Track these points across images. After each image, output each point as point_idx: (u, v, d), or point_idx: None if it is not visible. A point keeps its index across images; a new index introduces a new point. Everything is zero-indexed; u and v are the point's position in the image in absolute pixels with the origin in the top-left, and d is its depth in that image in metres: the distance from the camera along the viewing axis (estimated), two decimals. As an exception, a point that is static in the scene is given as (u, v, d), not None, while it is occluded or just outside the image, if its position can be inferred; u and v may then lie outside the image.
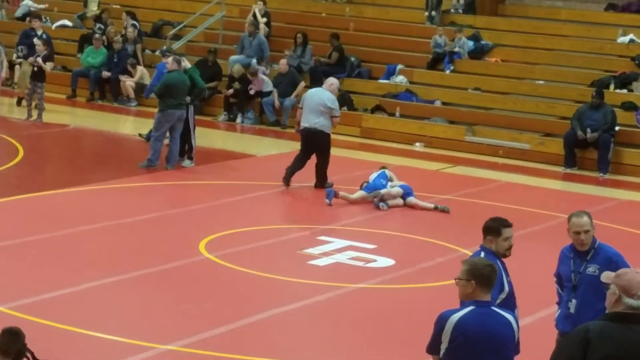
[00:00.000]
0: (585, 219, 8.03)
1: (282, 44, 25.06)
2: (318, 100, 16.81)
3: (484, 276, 6.37)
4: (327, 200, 15.76)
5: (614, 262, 7.80)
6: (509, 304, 7.46)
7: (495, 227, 7.69)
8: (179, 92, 17.53)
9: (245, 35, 24.61)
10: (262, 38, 24.47)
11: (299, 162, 16.88)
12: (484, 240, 7.69)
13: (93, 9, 27.71)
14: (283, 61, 23.34)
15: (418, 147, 21.58)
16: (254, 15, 25.17)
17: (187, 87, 17.76)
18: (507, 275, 7.61)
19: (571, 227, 8.04)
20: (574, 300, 8.02)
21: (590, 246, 8.01)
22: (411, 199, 16.11)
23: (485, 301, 6.38)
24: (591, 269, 7.91)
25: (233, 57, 24.50)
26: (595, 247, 8.01)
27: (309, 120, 16.79)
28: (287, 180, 16.76)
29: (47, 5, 28.56)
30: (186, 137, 18.11)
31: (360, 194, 16.07)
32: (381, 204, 15.74)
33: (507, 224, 7.73)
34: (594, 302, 7.74)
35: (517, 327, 6.44)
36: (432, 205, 16.06)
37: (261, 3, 25.56)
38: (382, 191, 15.86)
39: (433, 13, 24.92)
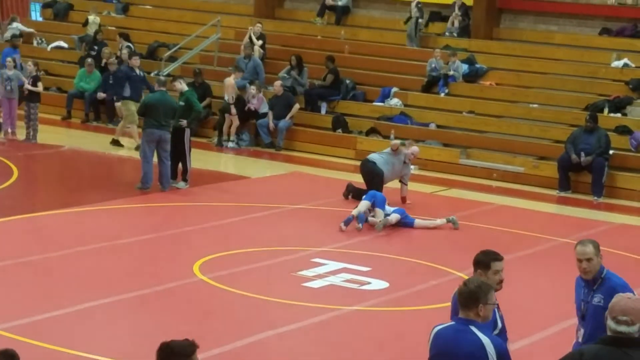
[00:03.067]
0: (589, 247, 7.86)
1: (278, 66, 25.13)
2: None
3: (462, 294, 6.52)
4: (359, 225, 15.81)
5: (617, 293, 7.70)
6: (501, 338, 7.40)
7: (484, 261, 7.44)
8: (159, 111, 17.57)
9: (241, 57, 24.67)
10: (257, 60, 24.54)
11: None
12: (474, 274, 7.53)
13: (92, 31, 27.72)
14: (278, 83, 23.39)
15: (413, 169, 21.58)
16: (250, 37, 25.25)
17: (170, 107, 17.77)
18: (499, 310, 7.39)
19: (575, 255, 7.88)
20: (582, 330, 7.92)
21: (596, 275, 7.82)
22: (419, 222, 16.18)
23: (466, 319, 6.47)
24: (596, 299, 7.77)
25: (228, 80, 24.51)
26: (602, 276, 7.83)
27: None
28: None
29: (34, 30, 28.53)
30: (181, 159, 18.15)
31: (365, 204, 16.09)
32: (381, 225, 15.77)
33: (498, 258, 7.47)
34: (599, 333, 7.69)
35: (496, 352, 6.37)
36: (444, 220, 16.18)
37: (259, 25, 25.64)
38: (391, 219, 15.89)
39: (413, 34, 25.09)
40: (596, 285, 7.84)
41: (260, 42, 25.33)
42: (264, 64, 24.76)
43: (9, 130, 22.27)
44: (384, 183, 17.56)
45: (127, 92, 21.93)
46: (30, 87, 21.88)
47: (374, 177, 17.52)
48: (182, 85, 18.50)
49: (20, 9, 32.01)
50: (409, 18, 25.28)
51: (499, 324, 7.37)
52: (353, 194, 17.65)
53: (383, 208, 16.06)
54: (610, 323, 5.87)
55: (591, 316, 7.78)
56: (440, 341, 6.53)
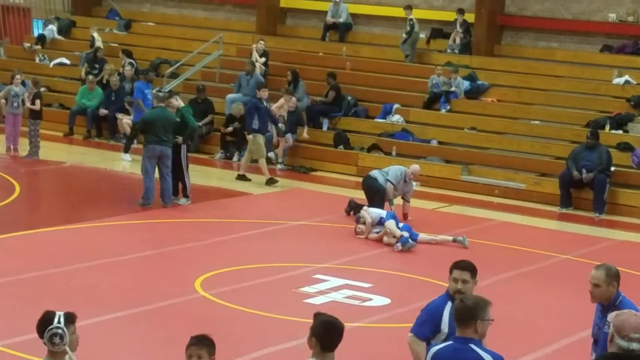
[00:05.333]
0: (599, 272, 7.74)
1: (280, 82, 25.21)
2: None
3: (459, 311, 6.50)
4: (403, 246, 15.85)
5: None
6: None
7: (450, 267, 7.55)
8: (158, 127, 17.59)
9: (243, 74, 24.72)
10: (259, 77, 24.59)
11: None
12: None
13: (99, 46, 27.81)
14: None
15: (414, 186, 21.58)
16: (252, 54, 25.32)
17: (170, 123, 17.79)
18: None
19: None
20: (593, 354, 7.83)
21: (610, 302, 7.69)
22: (423, 237, 16.18)
23: (465, 337, 6.44)
24: (607, 327, 7.64)
25: (230, 96, 24.60)
26: (617, 303, 7.68)
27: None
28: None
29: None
30: (179, 175, 18.16)
31: (392, 223, 16.16)
32: (398, 245, 15.75)
33: (459, 267, 7.47)
34: None
35: None
36: (450, 238, 16.20)
37: (262, 43, 25.69)
38: (405, 234, 15.92)
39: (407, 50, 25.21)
40: (609, 311, 7.69)
41: (263, 59, 25.39)
42: (266, 81, 24.81)
43: (12, 147, 22.30)
44: (385, 200, 17.58)
45: (255, 124, 20.62)
46: (30, 106, 21.94)
47: (375, 193, 17.55)
48: (178, 102, 18.54)
49: (23, 25, 32.13)
50: (408, 35, 25.31)
51: (445, 330, 7.34)
52: (355, 210, 17.67)
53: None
54: (620, 342, 5.79)
55: (602, 343, 7.59)
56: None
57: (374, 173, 17.97)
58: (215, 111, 24.38)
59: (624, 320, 5.86)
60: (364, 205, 17.22)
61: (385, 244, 16.01)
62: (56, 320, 6.20)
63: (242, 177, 20.86)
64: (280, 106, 22.86)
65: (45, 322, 6.23)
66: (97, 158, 22.66)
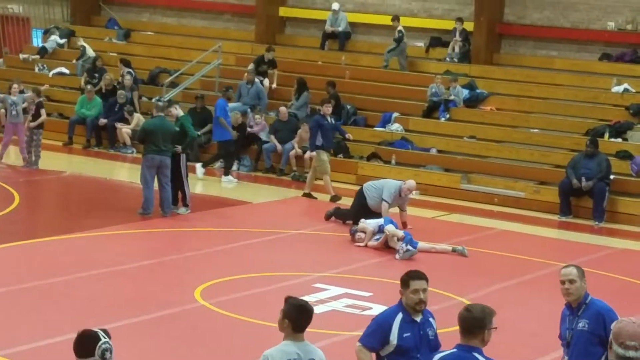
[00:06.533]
0: (572, 270, 7.97)
1: (279, 91, 25.25)
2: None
3: (465, 320, 6.48)
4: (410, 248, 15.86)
5: (601, 316, 7.74)
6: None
7: (404, 279, 7.48)
8: (158, 137, 17.59)
9: (244, 83, 24.73)
10: (259, 86, 24.59)
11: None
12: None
13: (90, 55, 27.85)
14: (283, 109, 23.44)
15: (414, 194, 21.57)
16: (260, 62, 25.21)
17: (169, 133, 17.77)
18: (410, 331, 7.33)
19: (559, 277, 8.00)
20: (565, 358, 7.97)
21: (580, 301, 7.91)
22: (423, 245, 16.17)
23: (468, 345, 6.43)
24: (581, 324, 7.81)
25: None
26: (586, 302, 7.91)
27: None
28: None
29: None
30: (178, 184, 18.15)
31: (392, 227, 16.13)
32: (403, 246, 15.75)
33: (417, 277, 7.47)
34: (582, 358, 7.71)
35: None
36: (450, 248, 16.19)
37: (272, 52, 25.69)
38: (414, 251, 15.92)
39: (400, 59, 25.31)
40: (580, 311, 7.90)
41: (274, 71, 25.39)
42: (270, 89, 24.85)
43: (23, 156, 22.10)
44: (375, 211, 17.43)
45: (319, 141, 20.12)
46: (31, 124, 21.74)
47: (367, 212, 17.44)
48: (177, 111, 18.56)
49: (22, 35, 32.15)
50: (396, 44, 25.37)
51: (394, 342, 7.32)
52: (336, 216, 17.79)
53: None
54: (617, 349, 5.80)
55: (576, 342, 7.82)
56: None
57: (369, 189, 17.72)
58: (215, 121, 24.37)
59: (621, 328, 5.88)
60: (345, 211, 17.37)
61: (387, 251, 16.00)
62: (101, 335, 6.13)
63: (307, 195, 20.32)
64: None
65: (91, 339, 6.11)
66: (96, 167, 22.66)
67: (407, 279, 7.47)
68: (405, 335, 7.30)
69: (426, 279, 7.47)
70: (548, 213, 20.32)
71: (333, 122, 20.96)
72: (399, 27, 25.29)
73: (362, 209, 17.42)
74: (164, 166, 17.69)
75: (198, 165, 22.00)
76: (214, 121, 22.24)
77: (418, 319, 7.41)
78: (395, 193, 17.48)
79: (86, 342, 6.10)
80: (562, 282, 7.96)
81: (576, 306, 7.91)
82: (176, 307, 12.51)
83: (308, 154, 22.66)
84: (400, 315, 7.39)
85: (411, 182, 18.03)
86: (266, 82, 25.29)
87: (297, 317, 6.86)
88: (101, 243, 15.78)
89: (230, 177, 21.88)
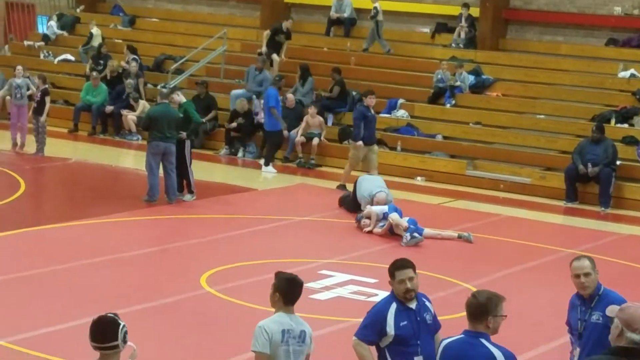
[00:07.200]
0: (586, 262, 7.76)
1: (286, 77, 25.18)
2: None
3: (471, 306, 6.52)
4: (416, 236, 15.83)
5: None
6: (397, 352, 7.25)
7: (390, 270, 7.42)
8: (163, 124, 17.56)
9: (253, 67, 24.61)
10: (267, 74, 24.47)
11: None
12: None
13: (96, 43, 27.81)
14: (290, 96, 23.36)
15: (419, 181, 21.60)
16: (277, 31, 25.05)
17: (173, 120, 17.73)
18: (407, 319, 7.29)
19: (572, 271, 7.78)
20: (577, 349, 7.80)
21: (594, 292, 7.71)
22: (428, 232, 16.15)
23: (476, 331, 6.47)
24: (595, 317, 7.64)
25: (234, 92, 24.58)
26: (599, 293, 7.71)
27: None
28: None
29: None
30: (183, 171, 18.12)
31: (396, 215, 16.10)
32: (408, 236, 15.73)
33: (404, 266, 7.37)
34: (597, 350, 7.63)
35: None
36: (455, 234, 16.16)
37: (290, 21, 25.60)
38: (421, 238, 15.88)
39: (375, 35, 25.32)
40: (594, 302, 7.72)
41: (286, 42, 25.21)
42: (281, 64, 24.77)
43: (18, 141, 22.21)
44: (362, 203, 17.22)
45: (362, 133, 19.47)
46: (42, 119, 21.64)
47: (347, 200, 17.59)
48: (180, 97, 18.53)
49: (27, 22, 32.14)
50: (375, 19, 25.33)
51: (391, 332, 7.25)
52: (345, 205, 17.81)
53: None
54: (632, 335, 5.78)
55: (590, 334, 7.65)
56: (449, 354, 6.53)
57: (364, 183, 17.56)
58: (221, 107, 24.36)
59: (633, 314, 5.85)
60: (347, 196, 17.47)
61: (393, 238, 15.99)
62: (118, 319, 6.16)
63: (341, 187, 19.67)
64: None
65: (113, 323, 6.14)
66: (102, 155, 22.66)
67: (392, 269, 7.41)
68: (402, 324, 7.26)
69: (412, 267, 7.36)
70: (554, 199, 20.29)
71: (375, 115, 20.25)
72: (376, 4, 25.19)
73: (352, 203, 17.55)
74: (168, 153, 17.67)
75: (263, 165, 21.78)
76: (266, 111, 21.91)
77: (413, 305, 7.35)
78: (369, 197, 17.07)
79: (108, 328, 6.11)
80: (577, 276, 7.74)
81: (589, 297, 7.73)
82: (182, 294, 12.51)
83: (315, 141, 22.64)
84: (394, 305, 7.34)
85: (380, 194, 17.15)
86: (275, 60, 25.13)
87: (287, 290, 7.17)
88: (106, 230, 15.78)
89: (270, 168, 21.74)
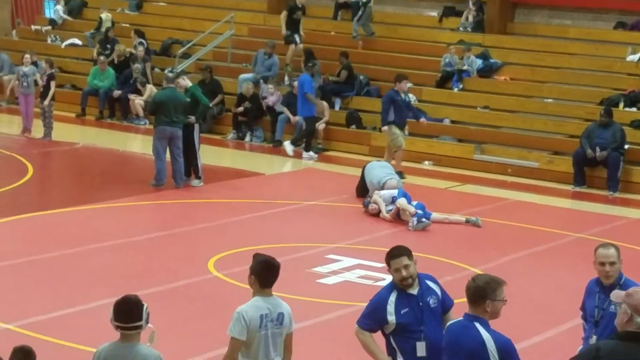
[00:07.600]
0: (612, 250, 7.62)
1: (292, 61, 25.15)
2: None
3: (469, 290, 6.56)
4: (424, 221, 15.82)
5: None
6: (401, 339, 7.26)
7: (386, 259, 7.44)
8: (169, 108, 17.53)
9: (262, 51, 24.52)
10: (275, 59, 24.41)
11: None
12: None
13: (105, 29, 27.80)
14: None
15: (427, 165, 21.58)
16: (294, 9, 24.96)
17: (180, 104, 17.69)
18: (408, 306, 7.25)
19: (597, 258, 7.63)
20: (594, 337, 7.67)
21: (615, 281, 7.57)
22: (436, 216, 16.12)
23: (473, 315, 6.51)
24: (614, 307, 7.38)
25: (242, 76, 24.55)
26: (620, 282, 7.54)
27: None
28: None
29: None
30: (191, 156, 18.10)
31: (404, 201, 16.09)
32: (415, 221, 15.72)
33: (395, 255, 7.38)
34: None
35: (498, 349, 6.37)
36: (463, 219, 16.14)
37: None
38: (428, 222, 15.85)
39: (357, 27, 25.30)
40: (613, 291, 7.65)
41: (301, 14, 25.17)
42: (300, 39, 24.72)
43: (26, 127, 22.30)
44: (370, 189, 17.20)
45: (391, 116, 19.54)
46: (45, 102, 21.62)
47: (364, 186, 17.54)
48: (185, 82, 18.51)
49: (34, 6, 32.10)
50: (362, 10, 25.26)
51: (392, 320, 7.23)
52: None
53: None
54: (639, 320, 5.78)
55: (607, 324, 7.50)
56: (448, 336, 6.65)
57: (374, 171, 17.51)
58: (228, 91, 24.33)
59: None
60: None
61: (401, 222, 15.98)
62: (140, 299, 6.27)
63: (400, 176, 18.87)
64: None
65: (137, 304, 6.32)
66: (109, 139, 22.67)
67: (387, 258, 7.43)
68: (403, 311, 7.23)
69: (406, 254, 7.34)
70: (562, 183, 20.25)
71: (408, 99, 20.38)
72: None
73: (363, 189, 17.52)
74: (175, 137, 17.66)
75: (286, 143, 21.80)
76: (300, 97, 21.83)
77: (414, 291, 7.31)
78: (378, 185, 17.04)
79: (134, 308, 6.27)
80: (602, 264, 7.60)
81: (609, 286, 7.56)
82: (190, 279, 12.53)
83: (322, 125, 22.60)
84: (394, 293, 7.32)
85: (393, 182, 17.20)
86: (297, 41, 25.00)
87: (262, 272, 7.28)
88: (114, 214, 15.80)
89: (311, 153, 21.68)
